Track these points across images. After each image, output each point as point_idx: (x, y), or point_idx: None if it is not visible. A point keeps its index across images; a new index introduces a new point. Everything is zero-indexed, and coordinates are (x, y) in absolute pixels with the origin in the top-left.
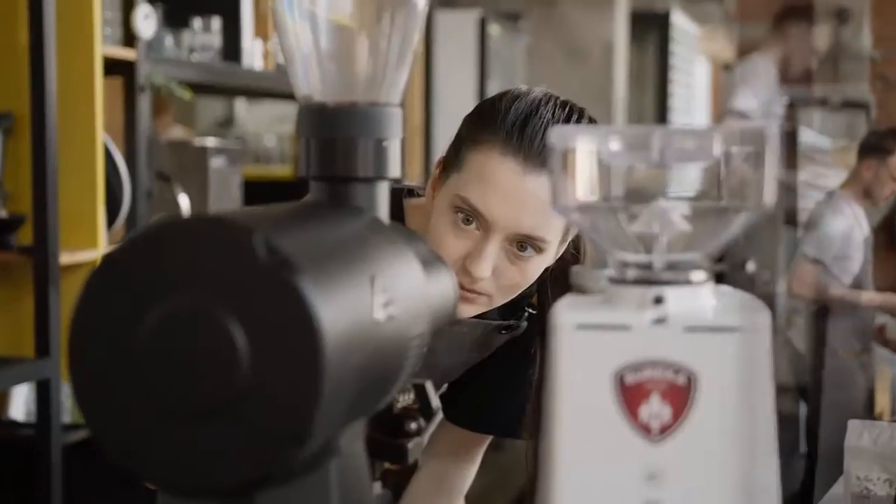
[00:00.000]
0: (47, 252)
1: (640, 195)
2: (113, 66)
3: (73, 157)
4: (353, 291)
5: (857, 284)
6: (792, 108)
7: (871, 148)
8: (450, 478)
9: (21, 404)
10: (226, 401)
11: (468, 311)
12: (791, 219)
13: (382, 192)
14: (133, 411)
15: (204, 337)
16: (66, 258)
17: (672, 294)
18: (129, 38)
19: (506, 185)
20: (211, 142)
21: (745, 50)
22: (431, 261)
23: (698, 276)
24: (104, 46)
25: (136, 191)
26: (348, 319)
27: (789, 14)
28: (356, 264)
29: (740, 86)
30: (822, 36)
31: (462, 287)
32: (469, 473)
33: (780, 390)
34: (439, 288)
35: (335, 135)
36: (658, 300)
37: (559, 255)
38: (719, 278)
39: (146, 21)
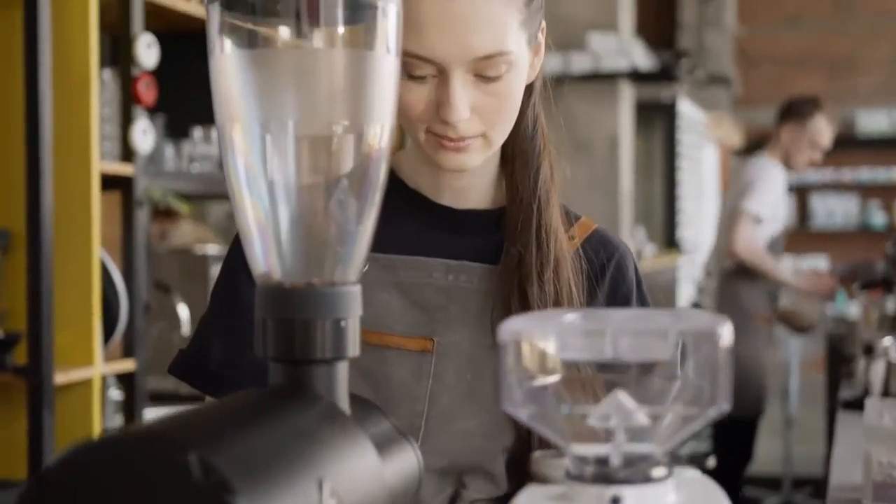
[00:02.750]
0: (42, 373)
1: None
2: (111, 181)
3: (70, 274)
4: (297, 501)
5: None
6: None
7: (790, 113)
8: None
9: None
10: None
11: (470, 159)
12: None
13: (342, 372)
14: None
15: None
16: (60, 377)
17: (630, 494)
18: (128, 153)
19: (436, 18)
20: (212, 249)
21: (752, 134)
22: (391, 438)
23: (658, 472)
24: (102, 162)
25: (133, 304)
26: None
27: (783, 114)
28: (303, 469)
29: (752, 187)
30: (823, 128)
31: (450, 139)
32: None
33: None
34: (398, 467)
35: (293, 316)
36: (615, 501)
37: (538, 61)
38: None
39: (144, 136)
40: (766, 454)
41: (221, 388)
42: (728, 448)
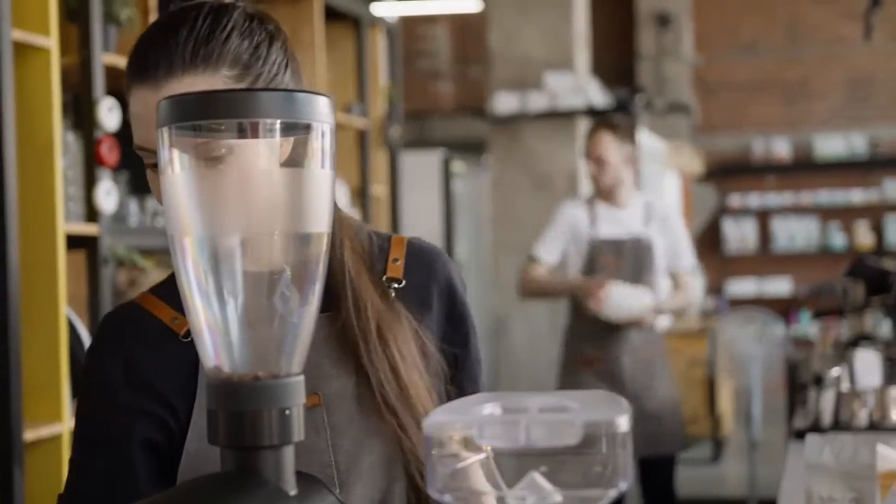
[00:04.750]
0: (11, 431)
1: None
2: (77, 240)
3: (37, 333)
4: None
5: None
6: None
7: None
8: None
9: None
10: None
11: None
12: None
13: (288, 455)
14: None
15: None
16: (30, 434)
17: None
18: (92, 213)
19: (145, 111)
20: None
21: (712, 160)
22: None
23: None
24: (67, 223)
25: None
26: None
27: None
28: None
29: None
30: (587, 143)
31: None
32: None
33: None
34: None
35: (242, 408)
36: None
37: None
38: None
39: (108, 196)
40: (732, 476)
41: None
42: (649, 488)
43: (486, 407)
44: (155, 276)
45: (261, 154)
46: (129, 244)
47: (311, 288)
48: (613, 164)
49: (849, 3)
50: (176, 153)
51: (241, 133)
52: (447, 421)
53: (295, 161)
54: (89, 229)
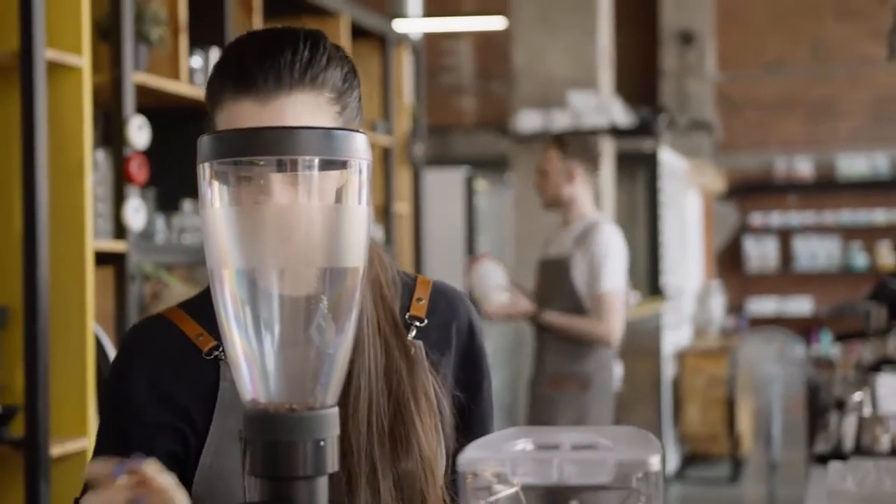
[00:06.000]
0: (38, 445)
1: None
2: (105, 257)
3: (65, 348)
4: None
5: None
6: None
7: None
8: None
9: None
10: None
11: None
12: None
13: (322, 486)
14: None
15: None
16: (56, 449)
17: None
18: (120, 230)
19: (245, 124)
20: None
21: (734, 179)
22: None
23: None
24: (96, 240)
25: None
26: None
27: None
28: None
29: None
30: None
31: None
32: None
33: None
34: None
35: (277, 439)
36: None
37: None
38: None
39: (136, 214)
40: (750, 497)
41: None
42: None
43: (518, 443)
44: (178, 290)
45: (298, 190)
46: (156, 261)
47: (347, 319)
48: (552, 178)
49: (874, 22)
50: (217, 188)
51: (281, 169)
52: (480, 458)
53: (332, 198)
54: (117, 246)
